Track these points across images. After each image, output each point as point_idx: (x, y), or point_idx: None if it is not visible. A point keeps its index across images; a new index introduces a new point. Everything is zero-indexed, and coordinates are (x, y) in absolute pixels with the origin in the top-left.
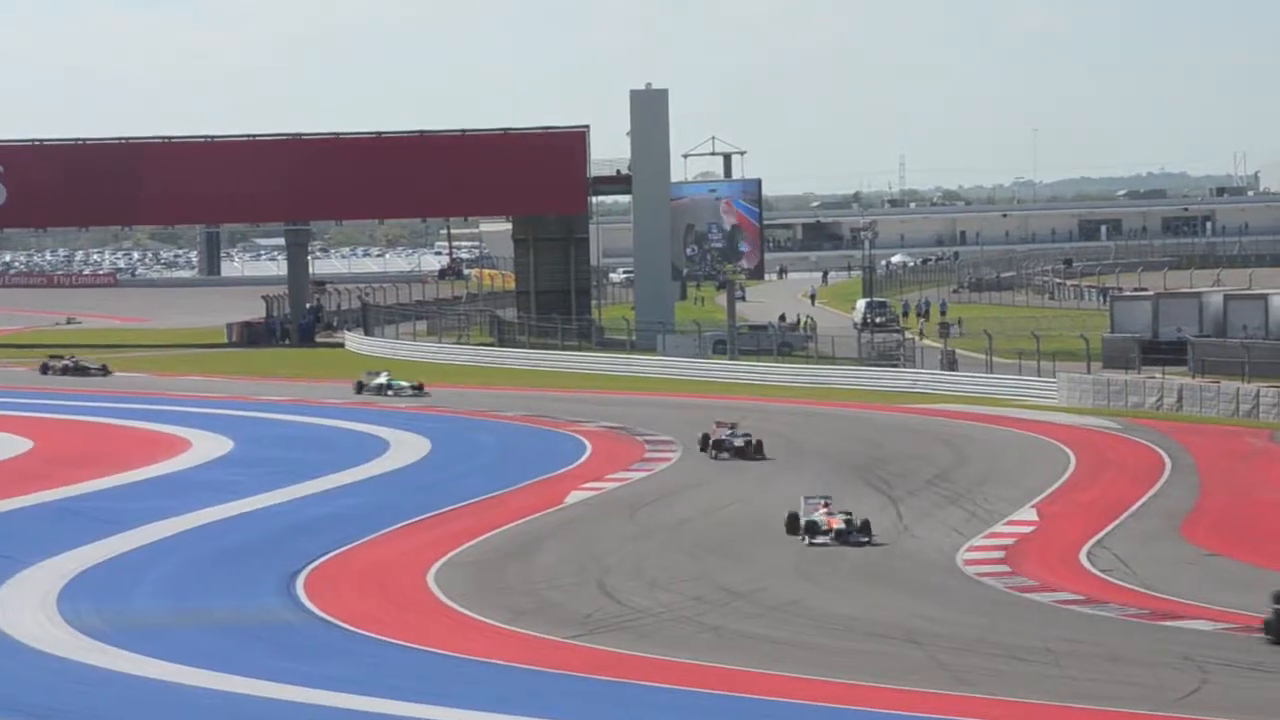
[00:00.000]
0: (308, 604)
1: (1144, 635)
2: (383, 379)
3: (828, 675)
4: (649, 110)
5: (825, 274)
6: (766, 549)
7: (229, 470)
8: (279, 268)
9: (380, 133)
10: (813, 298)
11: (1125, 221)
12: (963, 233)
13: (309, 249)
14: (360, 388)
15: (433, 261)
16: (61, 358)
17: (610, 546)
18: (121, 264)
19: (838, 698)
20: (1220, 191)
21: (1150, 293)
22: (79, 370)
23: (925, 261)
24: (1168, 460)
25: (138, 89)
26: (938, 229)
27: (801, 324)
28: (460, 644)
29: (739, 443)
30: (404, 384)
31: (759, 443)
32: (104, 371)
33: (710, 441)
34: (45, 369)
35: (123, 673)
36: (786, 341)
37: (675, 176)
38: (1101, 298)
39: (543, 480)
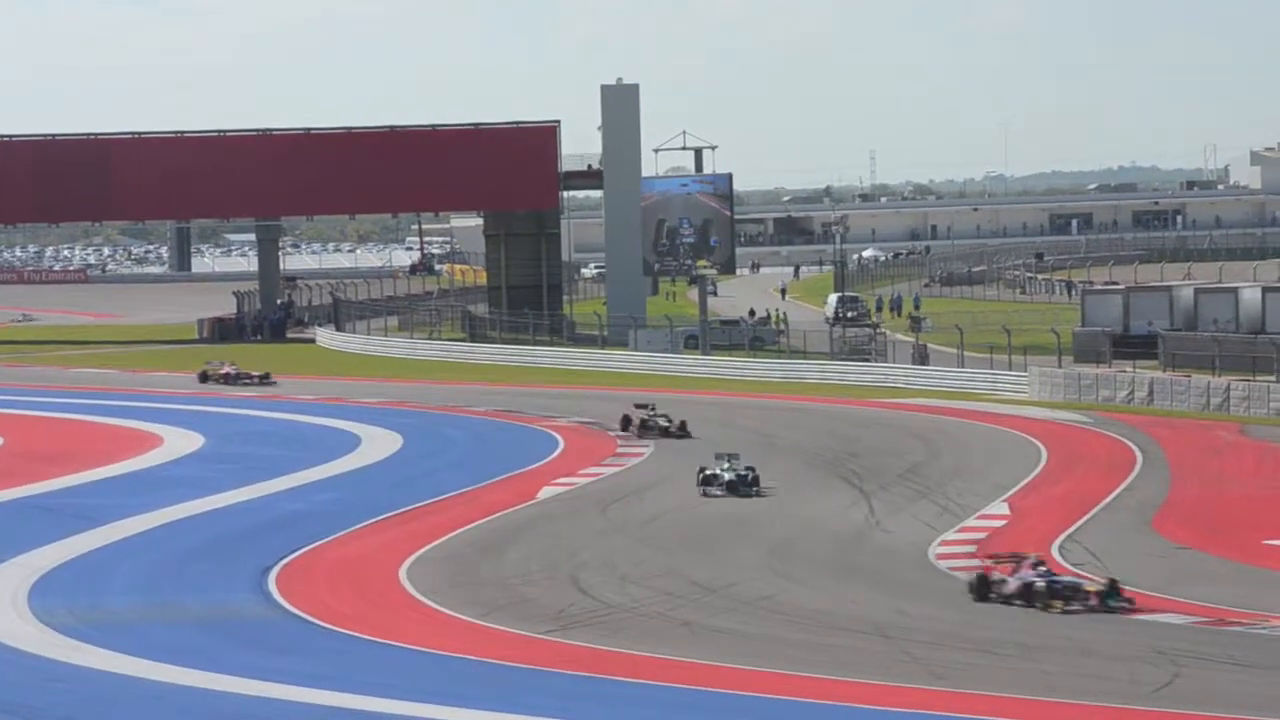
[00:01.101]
0: (280, 600)
1: (1116, 629)
2: (721, 469)
3: (800, 670)
4: (620, 105)
5: (797, 269)
6: (738, 544)
7: (200, 466)
8: (250, 263)
9: (351, 128)
10: (783, 292)
11: (1096, 215)
12: (934, 227)
13: (280, 245)
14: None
15: (404, 257)
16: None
17: (582, 542)
18: (92, 260)
19: (810, 692)
20: (1191, 185)
21: (1121, 287)
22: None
23: (896, 256)
24: (1139, 454)
25: (108, 85)
26: (909, 223)
27: (773, 318)
28: (433, 640)
29: None
30: (740, 474)
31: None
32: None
33: None
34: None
35: (95, 669)
36: (758, 336)
37: (646, 171)
38: (1067, 291)
39: (515, 476)
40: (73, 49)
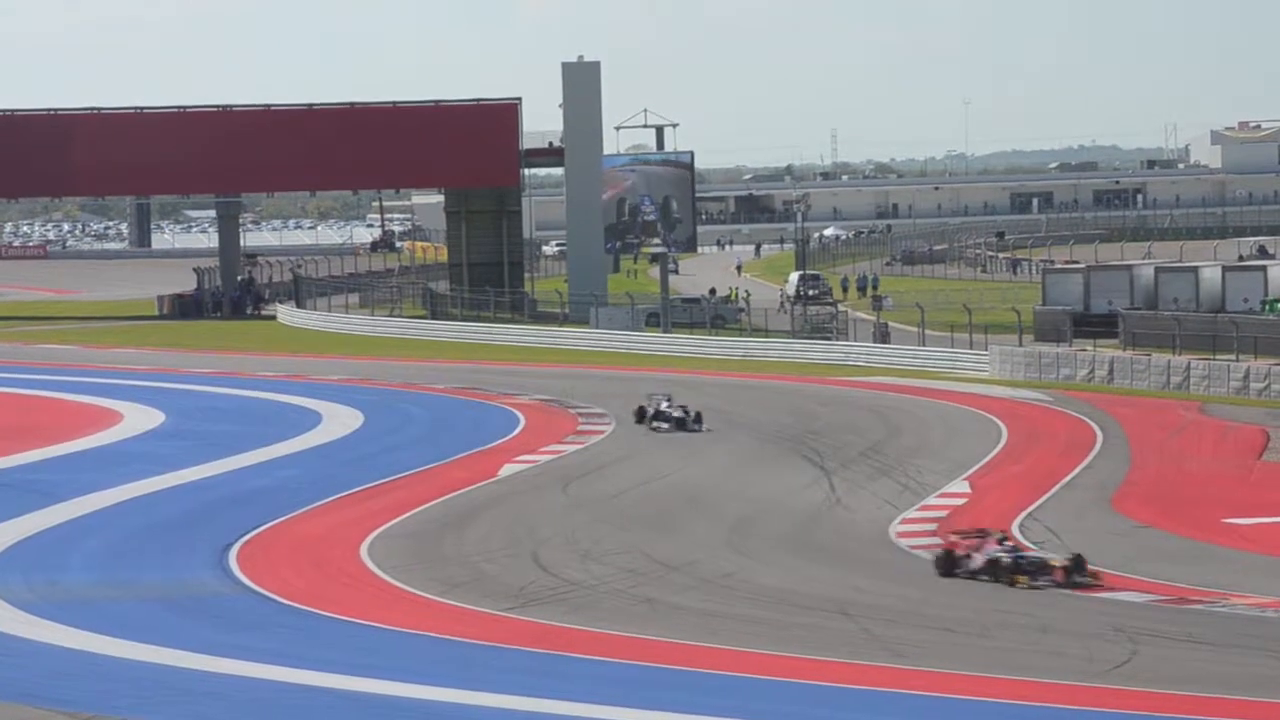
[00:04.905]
0: (240, 576)
1: (1075, 607)
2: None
3: (761, 647)
4: (581, 82)
5: (758, 247)
6: (699, 522)
7: (161, 442)
8: (210, 240)
9: (311, 104)
10: (739, 269)
11: (1057, 194)
12: (895, 205)
13: (240, 221)
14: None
15: (365, 234)
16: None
17: (544, 519)
18: (52, 235)
19: (771, 670)
20: (1151, 164)
21: (1082, 265)
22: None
23: (858, 234)
24: (1099, 432)
25: (64, 58)
26: (870, 202)
27: (733, 295)
28: (393, 617)
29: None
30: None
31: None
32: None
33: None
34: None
35: (54, 645)
36: (719, 314)
37: (607, 149)
38: (1013, 269)
39: (476, 453)
40: (28, 21)
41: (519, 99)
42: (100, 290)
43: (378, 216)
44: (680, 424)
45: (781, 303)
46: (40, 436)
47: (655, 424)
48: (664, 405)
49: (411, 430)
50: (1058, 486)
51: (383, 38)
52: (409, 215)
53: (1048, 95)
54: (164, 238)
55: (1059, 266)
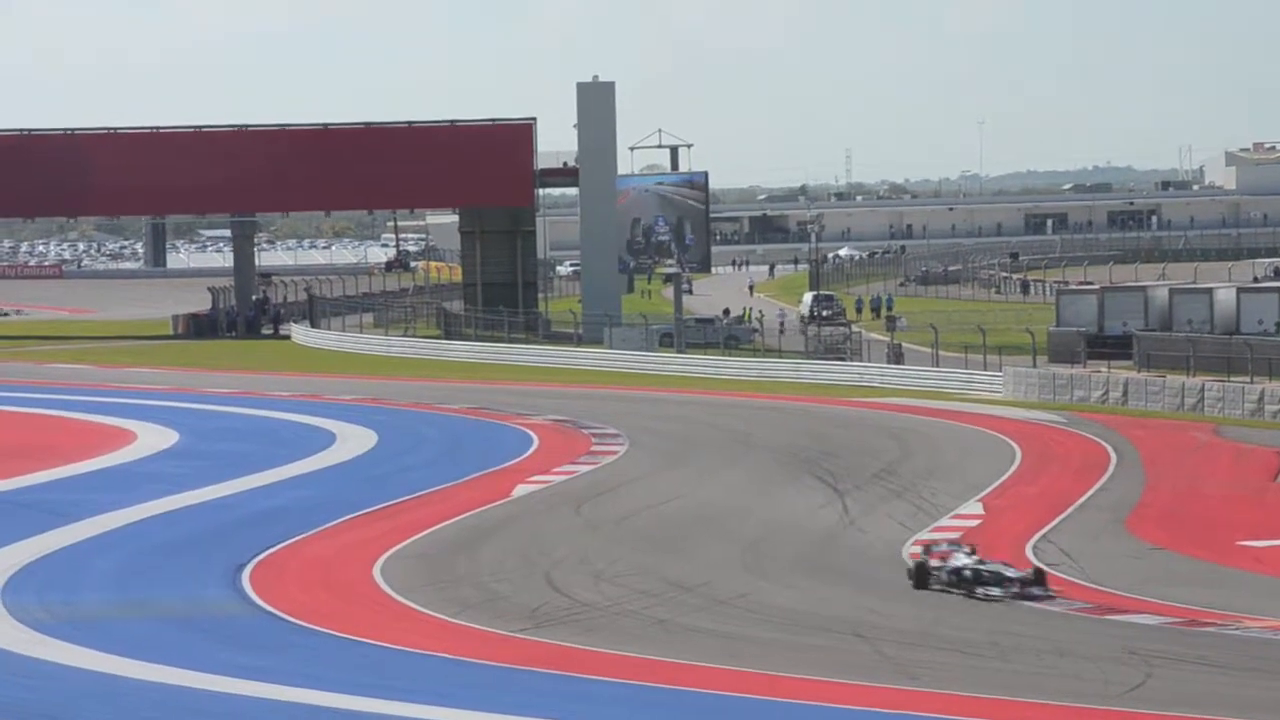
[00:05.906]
0: (254, 597)
1: (1089, 629)
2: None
3: (775, 669)
4: (595, 103)
5: (772, 267)
6: (712, 543)
7: (175, 463)
8: (225, 259)
9: (326, 124)
10: (750, 289)
11: (1071, 216)
12: (909, 226)
13: (255, 241)
14: None
15: (379, 254)
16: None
17: (557, 540)
18: (67, 255)
19: (784, 691)
20: (1165, 186)
21: (1096, 287)
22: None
23: (872, 255)
24: (1113, 454)
25: (83, 79)
26: (884, 222)
27: (746, 316)
28: (406, 638)
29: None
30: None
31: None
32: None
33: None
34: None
35: (69, 665)
36: (733, 335)
37: (622, 169)
38: (1023, 290)
39: (489, 473)
40: (47, 43)
41: (534, 119)
42: (115, 310)
43: (392, 236)
44: (1022, 588)
45: (781, 322)
46: (54, 456)
47: (985, 590)
48: (969, 560)
49: (425, 450)
50: (1071, 508)
51: (398, 58)
52: (423, 235)
53: (1062, 116)
54: (179, 257)
55: (1073, 287)
